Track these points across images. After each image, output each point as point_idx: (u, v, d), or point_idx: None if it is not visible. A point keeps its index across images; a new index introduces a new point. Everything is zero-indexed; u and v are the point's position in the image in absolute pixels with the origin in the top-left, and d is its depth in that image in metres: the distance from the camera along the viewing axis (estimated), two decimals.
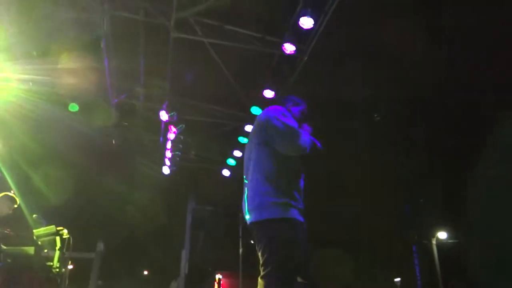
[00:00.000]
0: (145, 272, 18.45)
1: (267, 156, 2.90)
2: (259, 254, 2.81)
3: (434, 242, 14.61)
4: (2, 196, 5.35)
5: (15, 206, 5.34)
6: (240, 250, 10.23)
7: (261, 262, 2.78)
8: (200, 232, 11.92)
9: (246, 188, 2.98)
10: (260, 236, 2.78)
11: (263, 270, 2.73)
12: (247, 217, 2.91)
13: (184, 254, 11.06)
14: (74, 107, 7.59)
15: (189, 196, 11.50)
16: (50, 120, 7.26)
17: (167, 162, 9.25)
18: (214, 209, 11.20)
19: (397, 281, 16.83)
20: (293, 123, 2.95)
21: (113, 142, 8.58)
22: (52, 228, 5.48)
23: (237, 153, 9.15)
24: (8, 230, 5.41)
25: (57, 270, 5.46)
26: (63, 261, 5.60)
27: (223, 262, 12.54)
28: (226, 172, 9.89)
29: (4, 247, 5.13)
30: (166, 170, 9.41)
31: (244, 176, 3.08)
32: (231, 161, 9.57)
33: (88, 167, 8.92)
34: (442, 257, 14.26)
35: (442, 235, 14.81)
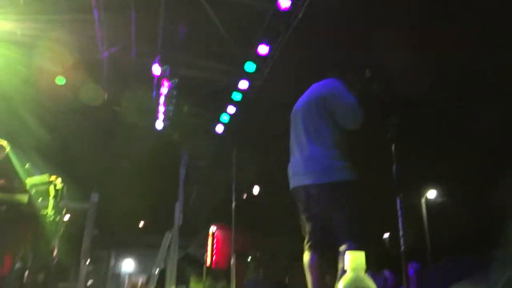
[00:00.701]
0: (141, 223, 18.90)
1: (331, 125, 3.00)
2: (320, 216, 2.93)
3: (423, 200, 14.99)
4: None
5: (5, 151, 5.37)
6: (233, 204, 10.52)
7: (326, 226, 2.88)
8: (193, 186, 12.17)
9: (300, 153, 3.08)
10: (331, 198, 2.85)
11: (342, 234, 2.77)
12: (304, 179, 2.98)
13: (178, 207, 11.32)
14: (61, 80, 7.58)
15: (182, 151, 11.62)
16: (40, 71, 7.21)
17: (161, 116, 9.28)
18: (207, 164, 11.37)
19: (386, 237, 17.35)
20: (355, 99, 3.02)
21: (105, 96, 8.56)
22: (45, 177, 5.61)
23: (231, 109, 9.17)
24: (2, 178, 5.53)
25: (52, 218, 5.65)
26: (57, 210, 5.77)
27: (216, 215, 12.91)
28: (219, 128, 9.95)
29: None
30: (159, 124, 9.46)
31: (294, 142, 3.18)
32: (224, 118, 9.60)
33: (82, 122, 8.94)
34: (431, 216, 14.71)
35: (431, 194, 15.18)
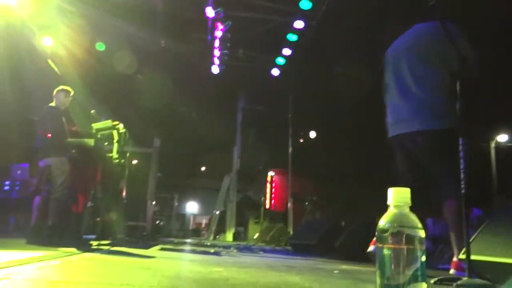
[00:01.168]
0: (202, 168, 19.61)
1: (441, 71, 2.80)
2: (422, 165, 2.81)
3: (492, 145, 14.05)
4: (57, 90, 5.67)
5: (71, 95, 5.63)
6: (290, 149, 10.53)
7: (429, 172, 2.76)
8: (251, 130, 12.27)
9: (405, 99, 2.89)
10: (439, 146, 2.72)
11: (446, 189, 2.67)
12: (411, 126, 2.82)
13: (236, 151, 11.54)
14: (101, 46, 7.69)
15: (239, 95, 11.63)
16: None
17: (216, 61, 9.23)
18: (264, 108, 11.31)
19: None
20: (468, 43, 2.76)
21: (162, 43, 8.60)
22: (108, 122, 5.85)
23: (286, 52, 8.89)
24: (70, 123, 5.86)
25: (117, 161, 5.95)
26: (122, 153, 6.05)
27: (274, 160, 13.03)
28: (275, 72, 9.74)
29: (69, 139, 5.58)
30: (215, 69, 9.43)
31: (395, 87, 3.00)
32: (280, 60, 9.36)
33: (140, 69, 9.11)
34: (500, 160, 13.81)
35: (502, 138, 14.17)
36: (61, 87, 5.55)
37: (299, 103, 10.42)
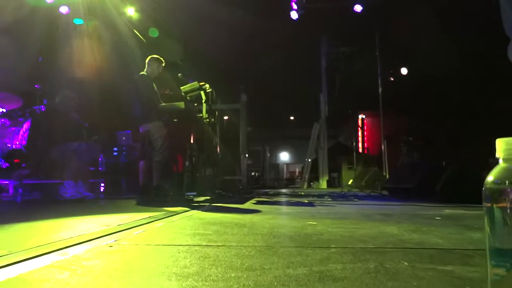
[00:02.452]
0: (291, 118, 19.60)
1: None
2: None
3: None
4: (149, 58, 5.94)
5: (163, 65, 5.90)
6: (380, 89, 9.98)
7: None
8: (336, 74, 11.83)
9: None
10: None
11: None
12: None
13: (322, 98, 11.28)
14: (154, 33, 7.66)
15: (321, 39, 11.17)
16: None
17: (294, 6, 8.88)
18: (349, 49, 10.75)
19: None
20: None
21: None
22: (195, 84, 6.02)
23: None
24: (163, 88, 6.16)
25: (207, 120, 6.16)
26: (211, 112, 6.24)
27: (363, 102, 12.50)
28: (358, 8, 9.09)
29: (162, 104, 5.89)
30: (294, 14, 9.10)
31: None
32: None
33: (219, 24, 9.11)
34: None
35: None
36: (153, 56, 5.81)
37: (387, 39, 9.70)
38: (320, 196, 5.91)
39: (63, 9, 8.23)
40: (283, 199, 5.42)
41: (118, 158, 8.05)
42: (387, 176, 7.97)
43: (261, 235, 1.94)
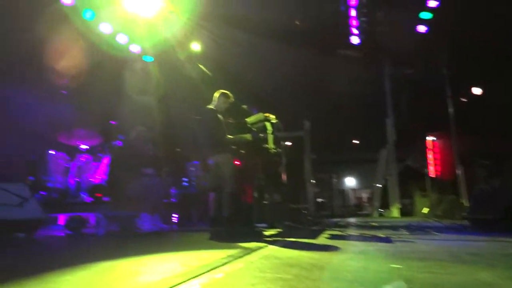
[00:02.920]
0: (355, 142, 19.15)
1: None
2: None
3: None
4: (218, 93, 6.16)
5: (230, 100, 6.09)
6: (451, 110, 9.47)
7: None
8: (402, 96, 11.44)
9: None
10: None
11: None
12: None
13: (389, 122, 10.94)
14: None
15: (384, 62, 10.93)
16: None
17: (355, 31, 8.82)
18: (413, 70, 10.40)
19: None
20: None
21: (297, 23, 8.58)
22: (260, 115, 6.11)
23: (432, 3, 7.96)
24: (230, 120, 6.32)
25: (274, 150, 6.20)
26: (277, 142, 6.28)
27: (432, 123, 11.94)
28: (421, 28, 8.83)
29: (229, 136, 6.04)
30: (355, 39, 9.02)
31: None
32: (425, 14, 8.43)
33: (278, 54, 9.25)
34: None
35: None
36: (221, 91, 6.03)
37: (456, 59, 9.27)
38: (395, 228, 5.63)
39: (135, 48, 8.81)
40: (356, 232, 5.24)
41: (188, 189, 8.31)
42: (466, 204, 7.43)
43: (346, 281, 1.87)
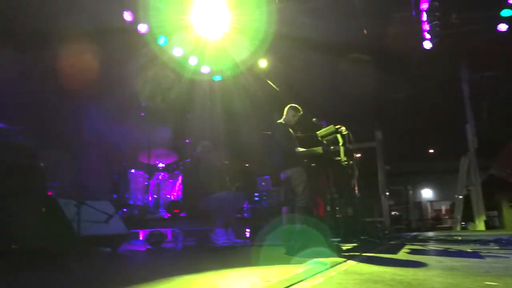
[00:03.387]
0: (431, 151, 18.16)
1: None
2: None
3: None
4: (288, 107, 6.20)
5: (299, 114, 6.10)
6: None
7: None
8: (482, 101, 10.67)
9: None
10: None
11: None
12: None
13: (469, 128, 10.22)
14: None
15: (461, 65, 10.29)
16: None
17: (427, 35, 8.42)
18: (494, 73, 9.68)
19: None
20: None
21: (364, 31, 8.39)
22: (331, 127, 6.02)
23: None
24: (299, 133, 6.31)
25: (346, 162, 6.05)
26: (348, 154, 6.14)
27: None
28: (502, 27, 8.21)
29: (300, 149, 6.01)
30: (427, 44, 8.60)
31: None
32: (506, 12, 7.84)
33: (345, 65, 9.09)
34: None
35: None
36: (291, 105, 6.07)
37: None
38: (483, 242, 5.19)
39: (205, 70, 9.16)
40: (440, 246, 4.90)
41: (260, 204, 8.36)
42: None
43: None
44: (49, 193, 4.90)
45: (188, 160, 7.02)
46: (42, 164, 3.95)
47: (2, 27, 5.01)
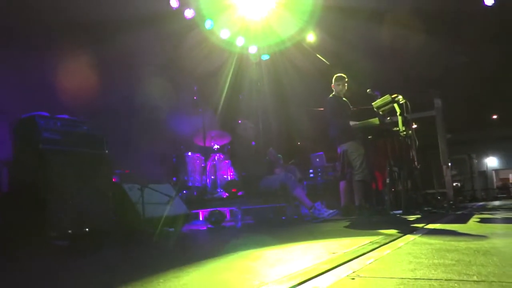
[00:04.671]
0: (494, 117, 17.06)
1: None
2: None
3: None
4: (334, 78, 6.07)
5: (346, 80, 5.98)
6: None
7: None
8: None
9: None
10: None
11: None
12: None
13: None
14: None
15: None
16: None
17: None
18: None
19: None
20: None
21: None
22: (387, 97, 5.80)
23: None
24: (352, 107, 6.16)
25: (404, 133, 5.83)
26: (406, 124, 5.90)
27: None
28: None
29: (355, 123, 5.86)
30: (488, 1, 7.97)
31: None
32: None
33: (397, 31, 8.63)
34: None
35: None
36: (337, 75, 5.93)
37: None
38: None
39: (252, 49, 9.11)
40: (511, 214, 4.62)
41: (315, 180, 8.31)
42: None
43: None
44: (114, 179, 5.15)
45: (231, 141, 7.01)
46: (107, 152, 4.14)
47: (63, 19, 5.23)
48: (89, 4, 5.45)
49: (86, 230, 3.69)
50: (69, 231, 3.54)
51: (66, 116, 3.95)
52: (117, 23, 5.73)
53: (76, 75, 5.31)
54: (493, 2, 7.92)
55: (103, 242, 3.70)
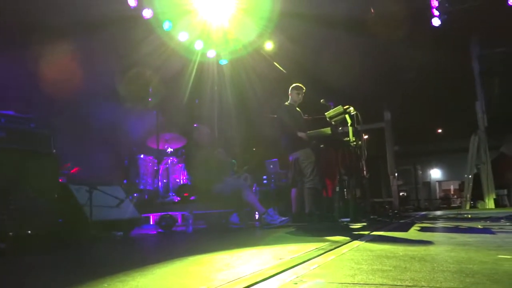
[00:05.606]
0: (439, 131, 18.05)
1: None
2: None
3: None
4: (291, 87, 6.17)
5: (303, 91, 6.10)
6: None
7: None
8: (493, 78, 10.53)
9: None
10: None
11: None
12: None
13: (479, 106, 10.12)
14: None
15: (471, 42, 10.12)
16: None
17: (435, 12, 8.29)
18: (506, 49, 9.51)
19: None
20: None
21: (372, 10, 8.26)
22: (339, 108, 5.99)
23: None
24: (306, 115, 6.29)
25: (354, 143, 6.04)
26: (357, 134, 6.11)
27: None
28: None
29: (308, 132, 6.00)
30: (436, 21, 8.46)
31: None
32: None
33: (351, 45, 8.95)
34: None
35: None
36: (294, 84, 6.05)
37: None
38: (494, 219, 5.18)
39: (211, 54, 9.11)
40: (450, 224, 4.91)
41: (268, 186, 8.40)
42: None
43: (450, 272, 1.75)
44: (60, 180, 4.95)
45: (185, 145, 6.94)
46: (54, 151, 3.98)
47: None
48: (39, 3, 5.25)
49: (28, 233, 3.54)
50: (10, 233, 3.38)
51: (11, 113, 3.77)
52: (69, 22, 5.54)
53: (29, 72, 5.10)
54: (439, 23, 8.43)
55: (46, 244, 3.56)
